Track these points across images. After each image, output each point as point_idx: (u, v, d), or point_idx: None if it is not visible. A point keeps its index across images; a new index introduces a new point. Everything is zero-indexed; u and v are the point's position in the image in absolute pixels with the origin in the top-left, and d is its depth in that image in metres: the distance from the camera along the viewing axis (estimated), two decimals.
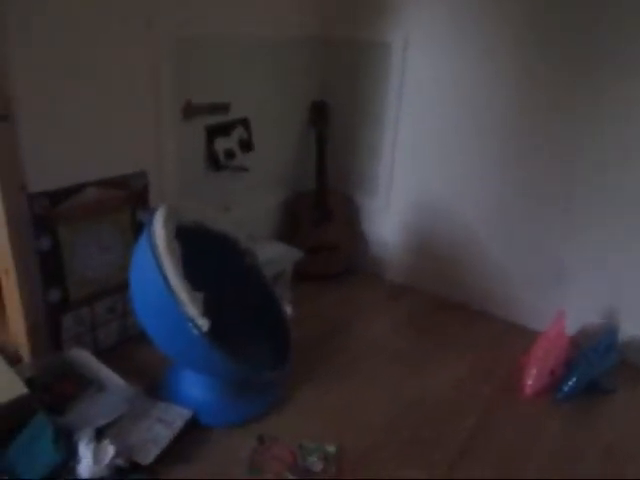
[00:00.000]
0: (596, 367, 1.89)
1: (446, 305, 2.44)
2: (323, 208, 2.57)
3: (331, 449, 1.58)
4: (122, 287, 1.90)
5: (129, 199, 1.91)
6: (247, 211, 2.37)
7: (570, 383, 1.86)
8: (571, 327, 2.06)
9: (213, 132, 2.17)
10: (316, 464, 1.52)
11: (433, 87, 2.29)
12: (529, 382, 1.89)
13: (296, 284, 2.37)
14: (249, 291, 1.95)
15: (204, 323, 1.49)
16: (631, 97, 1.87)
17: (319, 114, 2.55)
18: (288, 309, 2.20)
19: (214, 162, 2.20)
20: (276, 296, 1.98)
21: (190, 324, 1.49)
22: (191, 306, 1.48)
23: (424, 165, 2.41)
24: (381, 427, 1.70)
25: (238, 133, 2.27)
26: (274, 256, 2.17)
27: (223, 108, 2.18)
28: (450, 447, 1.64)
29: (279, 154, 2.54)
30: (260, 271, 1.97)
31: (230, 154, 2.26)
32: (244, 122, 2.29)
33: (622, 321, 2.06)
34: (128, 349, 1.95)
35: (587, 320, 2.12)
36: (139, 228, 1.90)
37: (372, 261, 2.67)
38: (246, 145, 2.32)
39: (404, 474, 1.53)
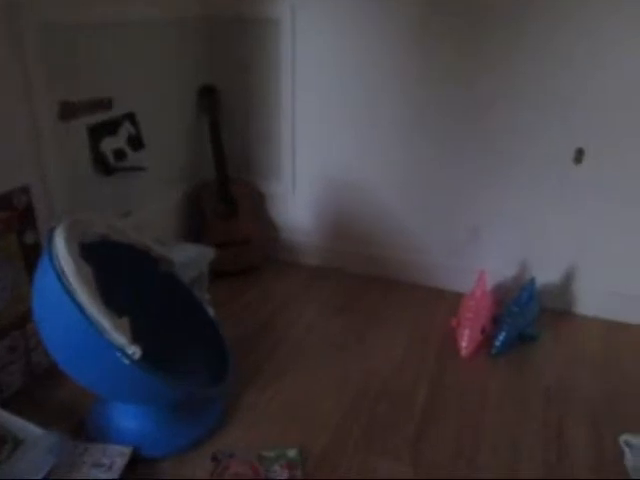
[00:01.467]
0: (521, 319, 1.98)
1: (369, 281, 2.42)
2: (228, 200, 2.42)
3: (292, 453, 1.49)
4: (20, 321, 1.66)
5: (12, 221, 1.64)
6: (150, 213, 2.17)
7: (501, 338, 1.93)
8: (491, 283, 2.14)
9: (97, 132, 1.93)
10: (281, 472, 1.44)
11: (328, 58, 2.21)
12: (464, 344, 1.93)
13: (212, 284, 2.22)
14: (169, 302, 1.79)
15: (136, 350, 1.32)
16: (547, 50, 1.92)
17: (209, 100, 2.38)
18: (210, 312, 2.06)
19: (103, 165, 1.97)
20: (200, 302, 1.84)
21: (119, 354, 1.31)
22: (117, 334, 1.30)
23: (327, 142, 2.35)
24: (337, 419, 1.64)
25: (126, 130, 2.05)
26: (188, 259, 2.00)
27: (105, 104, 1.94)
28: (409, 424, 1.63)
29: (173, 147, 2.35)
30: (178, 278, 1.80)
31: (120, 154, 2.03)
32: (130, 117, 2.06)
33: (534, 271, 2.18)
34: (39, 390, 1.71)
35: (504, 274, 2.22)
36: (29, 252, 1.66)
37: (288, 248, 2.58)
38: (136, 142, 2.10)
39: (372, 463, 1.49)
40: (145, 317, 1.65)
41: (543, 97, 1.96)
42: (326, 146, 2.35)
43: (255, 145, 2.47)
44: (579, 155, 1.94)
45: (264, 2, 2.20)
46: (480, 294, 2.03)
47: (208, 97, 2.37)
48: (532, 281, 2.05)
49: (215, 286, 2.25)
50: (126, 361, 1.31)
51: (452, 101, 2.09)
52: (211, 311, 2.06)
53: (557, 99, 1.94)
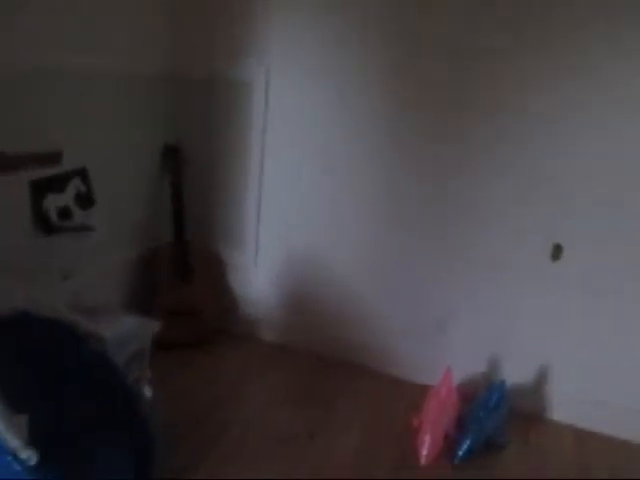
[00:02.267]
0: (488, 425, 1.80)
1: (328, 365, 2.24)
2: (183, 265, 2.26)
3: None
4: None
5: None
6: (95, 276, 2.00)
7: (465, 446, 1.75)
8: (457, 376, 1.97)
9: (41, 188, 1.78)
10: None
11: (300, 126, 2.12)
12: (424, 452, 1.74)
13: (158, 356, 2.02)
14: (96, 383, 1.59)
15: (31, 455, 1.12)
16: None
17: (172, 160, 2.25)
18: (148, 392, 1.86)
19: (45, 224, 1.81)
20: (130, 386, 1.64)
21: (10, 458, 1.11)
22: (10, 436, 1.11)
23: (294, 213, 2.22)
24: None
25: (75, 186, 1.90)
26: (128, 332, 1.81)
27: (52, 158, 1.80)
28: None
29: (128, 207, 2.20)
30: (107, 357, 1.61)
31: (66, 213, 1.88)
32: (82, 173, 1.92)
33: (504, 367, 2.02)
34: None
35: (473, 369, 2.06)
36: None
37: (244, 322, 2.40)
38: (85, 200, 1.95)
39: None
40: (65, 401, 1.47)
41: (518, 188, 1.87)
42: (294, 218, 2.22)
43: (218, 210, 2.33)
44: (557, 251, 1.82)
45: (237, 64, 2.12)
46: (445, 393, 1.86)
47: (171, 157, 2.24)
48: (502, 384, 1.89)
49: (161, 359, 2.05)
50: (18, 467, 1.12)
51: (425, 192, 1.99)
52: (148, 391, 1.86)
53: (532, 192, 1.85)
